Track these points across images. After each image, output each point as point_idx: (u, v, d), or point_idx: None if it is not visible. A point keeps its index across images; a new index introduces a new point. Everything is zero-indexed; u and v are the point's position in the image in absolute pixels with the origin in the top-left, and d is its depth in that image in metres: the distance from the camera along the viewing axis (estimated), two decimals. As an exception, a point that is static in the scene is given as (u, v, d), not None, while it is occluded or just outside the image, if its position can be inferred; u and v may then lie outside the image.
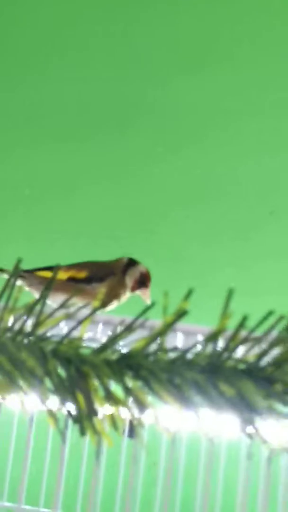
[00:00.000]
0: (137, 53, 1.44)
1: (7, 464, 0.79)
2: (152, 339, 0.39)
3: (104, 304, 0.96)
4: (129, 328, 0.39)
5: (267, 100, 1.40)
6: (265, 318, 0.37)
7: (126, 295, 1.00)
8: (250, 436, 0.37)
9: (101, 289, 0.95)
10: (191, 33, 1.43)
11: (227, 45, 1.42)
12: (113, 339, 0.40)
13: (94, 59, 1.45)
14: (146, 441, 0.68)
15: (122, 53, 1.44)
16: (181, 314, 0.39)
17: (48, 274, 0.95)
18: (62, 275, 0.97)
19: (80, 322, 0.40)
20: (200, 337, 0.68)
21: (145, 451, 0.70)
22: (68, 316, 0.41)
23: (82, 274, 0.97)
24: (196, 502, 0.48)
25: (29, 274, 0.97)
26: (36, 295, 0.96)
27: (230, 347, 0.37)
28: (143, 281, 1.01)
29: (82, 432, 0.37)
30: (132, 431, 0.71)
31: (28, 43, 1.46)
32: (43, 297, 0.40)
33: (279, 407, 0.37)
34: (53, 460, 0.71)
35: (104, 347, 0.39)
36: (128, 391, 0.37)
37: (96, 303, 0.41)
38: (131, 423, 0.72)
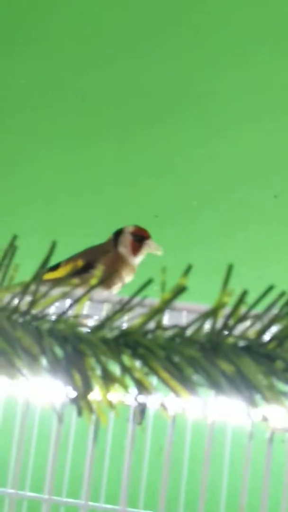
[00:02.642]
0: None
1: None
2: (150, 316, 0.38)
3: (107, 283, 0.93)
4: (126, 306, 0.38)
5: (267, 85, 1.39)
6: (265, 293, 0.36)
7: (131, 268, 0.97)
8: (251, 415, 0.36)
9: (98, 269, 0.94)
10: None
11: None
12: (110, 317, 0.39)
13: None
14: (151, 426, 0.67)
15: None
16: (179, 290, 0.38)
17: (51, 275, 0.93)
18: (63, 271, 0.95)
19: (76, 301, 0.39)
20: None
21: (150, 436, 0.69)
22: (64, 295, 0.40)
23: (79, 265, 0.96)
24: (201, 486, 0.47)
25: (47, 284, 0.95)
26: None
27: (229, 324, 0.36)
28: (139, 238, 0.98)
29: (79, 412, 0.36)
30: (139, 416, 0.70)
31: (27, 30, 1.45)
32: (38, 276, 0.39)
33: (280, 385, 0.36)
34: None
35: (101, 326, 0.39)
36: (125, 369, 0.37)
37: (93, 281, 0.40)
38: (137, 407, 0.71)
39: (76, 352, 0.38)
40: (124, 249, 0.98)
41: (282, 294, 0.38)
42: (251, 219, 1.32)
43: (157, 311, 0.38)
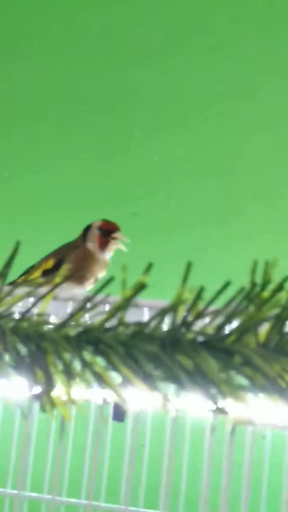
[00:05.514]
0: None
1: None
2: (111, 314, 0.39)
3: (79, 279, 0.93)
4: (87, 304, 0.39)
5: (251, 83, 1.39)
6: (221, 290, 0.37)
7: (102, 262, 0.95)
8: (211, 409, 0.37)
9: (63, 267, 0.94)
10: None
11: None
12: (73, 315, 0.39)
13: (79, 41, 1.45)
14: (131, 423, 0.68)
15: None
16: (139, 288, 0.39)
17: (25, 276, 0.94)
18: (37, 273, 0.95)
19: (40, 299, 0.40)
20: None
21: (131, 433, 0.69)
22: (29, 294, 0.40)
23: (50, 264, 0.96)
24: (162, 479, 0.48)
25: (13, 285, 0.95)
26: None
27: (188, 320, 0.37)
28: (106, 232, 0.97)
29: (42, 409, 0.37)
30: (118, 414, 0.71)
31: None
32: (2, 275, 0.40)
33: (239, 379, 0.37)
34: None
35: (64, 323, 0.39)
36: (86, 364, 0.37)
37: (58, 279, 0.40)
38: (116, 405, 0.72)
39: (39, 349, 0.38)
40: (91, 244, 0.97)
41: (240, 290, 0.39)
42: (230, 215, 1.33)
43: (119, 308, 0.39)
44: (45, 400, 0.37)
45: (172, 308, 0.37)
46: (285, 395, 0.36)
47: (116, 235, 0.97)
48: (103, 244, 0.97)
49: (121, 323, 0.39)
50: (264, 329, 0.38)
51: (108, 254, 0.98)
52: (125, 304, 0.39)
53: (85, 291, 0.69)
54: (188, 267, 0.38)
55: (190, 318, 0.37)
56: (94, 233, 0.98)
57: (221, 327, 0.38)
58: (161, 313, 0.37)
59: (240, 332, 0.37)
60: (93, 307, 0.40)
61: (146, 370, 0.37)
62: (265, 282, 0.38)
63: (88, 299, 0.39)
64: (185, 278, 0.38)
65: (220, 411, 0.37)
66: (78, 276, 0.93)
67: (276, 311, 0.38)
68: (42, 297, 0.40)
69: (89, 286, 0.96)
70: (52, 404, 0.37)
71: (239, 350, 0.36)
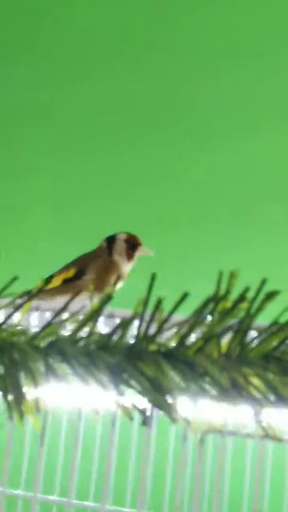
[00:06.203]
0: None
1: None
2: (82, 324, 0.40)
3: (100, 288, 0.95)
4: (57, 317, 0.40)
5: (270, 92, 1.38)
6: (181, 300, 0.38)
7: (122, 274, 0.98)
8: (174, 419, 0.38)
9: (90, 278, 0.96)
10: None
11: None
12: (46, 327, 0.41)
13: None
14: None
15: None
16: (107, 299, 0.40)
17: (47, 286, 0.96)
18: (57, 281, 0.98)
19: (16, 310, 0.42)
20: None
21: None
22: (5, 306, 0.42)
23: (71, 273, 0.98)
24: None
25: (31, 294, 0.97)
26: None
27: (148, 332, 0.38)
28: (131, 245, 1.00)
29: (10, 416, 0.39)
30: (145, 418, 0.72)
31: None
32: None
33: (201, 389, 0.38)
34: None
35: (36, 335, 0.41)
36: (54, 375, 0.39)
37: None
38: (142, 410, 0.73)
39: (12, 360, 0.40)
40: (118, 256, 0.99)
41: (207, 301, 0.39)
42: (254, 225, 1.32)
43: (88, 320, 0.40)
44: (14, 409, 0.39)
45: (130, 320, 0.37)
46: (239, 403, 0.36)
47: (141, 248, 1.00)
48: (130, 255, 1.00)
49: (92, 333, 0.40)
50: (226, 339, 0.38)
51: (131, 265, 1.00)
52: (94, 315, 0.40)
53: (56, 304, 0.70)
54: (153, 278, 0.39)
55: (151, 330, 0.38)
56: (122, 246, 1.00)
57: (183, 337, 0.38)
58: (123, 325, 0.38)
59: (202, 342, 0.38)
60: (68, 319, 0.41)
61: (111, 380, 0.38)
62: (227, 293, 0.38)
63: (58, 311, 0.40)
64: (149, 290, 0.39)
65: (185, 420, 0.38)
66: (100, 285, 0.95)
67: (237, 321, 0.38)
68: (19, 307, 0.42)
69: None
70: (21, 413, 0.39)
71: (197, 361, 0.37)
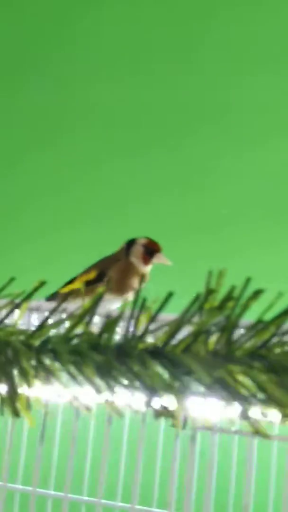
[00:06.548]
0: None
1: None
2: (75, 324, 0.41)
3: (120, 290, 0.96)
4: (51, 316, 0.41)
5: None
6: (166, 300, 0.38)
7: (142, 275, 0.98)
8: (157, 415, 0.38)
9: (110, 276, 0.97)
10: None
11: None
12: (41, 326, 0.42)
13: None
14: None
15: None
16: (97, 300, 0.40)
17: (67, 288, 0.97)
18: (78, 284, 0.99)
19: (13, 309, 0.43)
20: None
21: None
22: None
23: (92, 275, 0.99)
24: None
25: (55, 296, 0.99)
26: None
27: (135, 331, 0.39)
28: (150, 251, 1.01)
29: (2, 413, 0.40)
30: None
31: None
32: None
33: (188, 387, 0.38)
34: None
35: (33, 334, 0.42)
36: (46, 371, 0.40)
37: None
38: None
39: (7, 358, 0.41)
40: (135, 259, 1.00)
41: (194, 300, 0.40)
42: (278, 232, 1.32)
43: (80, 319, 0.41)
44: (8, 406, 0.40)
45: (115, 321, 0.38)
46: (226, 400, 0.37)
47: (159, 255, 1.01)
48: (147, 260, 1.01)
49: (85, 332, 0.41)
50: (213, 337, 0.39)
51: (149, 268, 1.01)
52: (85, 315, 0.41)
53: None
54: (141, 280, 0.40)
55: (138, 329, 0.39)
56: (139, 250, 1.01)
57: (169, 338, 0.39)
58: (108, 324, 0.39)
59: (190, 340, 0.38)
60: (59, 318, 0.42)
61: (101, 377, 0.39)
62: (213, 291, 0.39)
63: (52, 310, 0.41)
64: (137, 293, 0.40)
65: (172, 418, 0.38)
66: (119, 287, 0.96)
67: (223, 319, 0.38)
68: (16, 307, 0.43)
69: (129, 298, 0.99)
70: (15, 409, 0.40)
71: (181, 359, 0.37)
